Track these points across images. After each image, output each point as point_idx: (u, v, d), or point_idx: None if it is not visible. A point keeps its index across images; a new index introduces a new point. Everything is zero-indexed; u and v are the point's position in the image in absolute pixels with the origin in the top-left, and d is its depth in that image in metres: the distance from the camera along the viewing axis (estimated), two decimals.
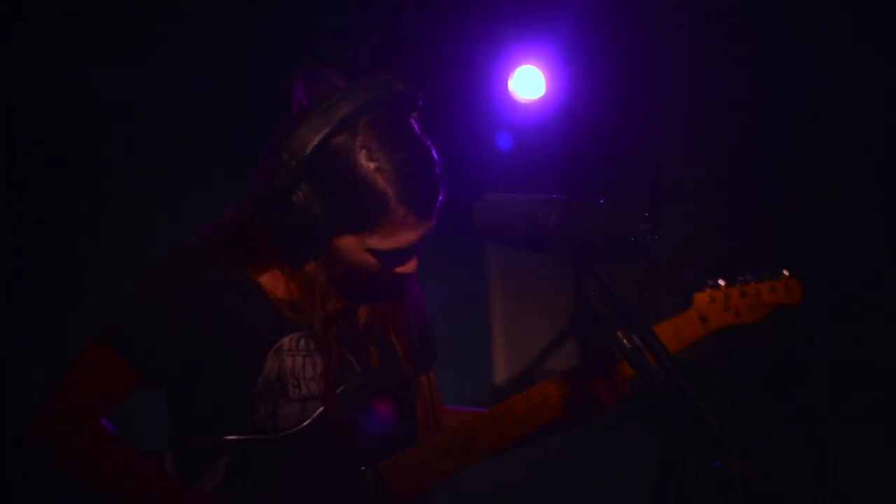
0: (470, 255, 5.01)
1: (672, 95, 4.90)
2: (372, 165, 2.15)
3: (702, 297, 2.56)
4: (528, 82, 4.79)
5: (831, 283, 4.58)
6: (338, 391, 2.33)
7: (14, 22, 3.91)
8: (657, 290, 4.66)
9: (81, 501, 2.33)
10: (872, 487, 4.43)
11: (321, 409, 2.31)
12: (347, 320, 2.38)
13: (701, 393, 1.81)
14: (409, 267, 2.30)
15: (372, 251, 2.22)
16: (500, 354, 5.26)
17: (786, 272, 2.52)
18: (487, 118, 4.93)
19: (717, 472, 1.77)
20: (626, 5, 4.73)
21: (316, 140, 2.12)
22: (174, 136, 4.32)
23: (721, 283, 2.57)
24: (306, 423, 2.30)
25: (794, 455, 4.60)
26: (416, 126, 2.25)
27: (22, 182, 4.06)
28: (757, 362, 4.74)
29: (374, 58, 4.38)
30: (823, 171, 4.64)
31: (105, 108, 4.15)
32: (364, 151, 2.15)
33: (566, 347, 5.12)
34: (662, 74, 4.86)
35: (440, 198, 2.24)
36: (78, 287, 4.13)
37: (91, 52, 4.07)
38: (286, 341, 2.30)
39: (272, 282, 2.32)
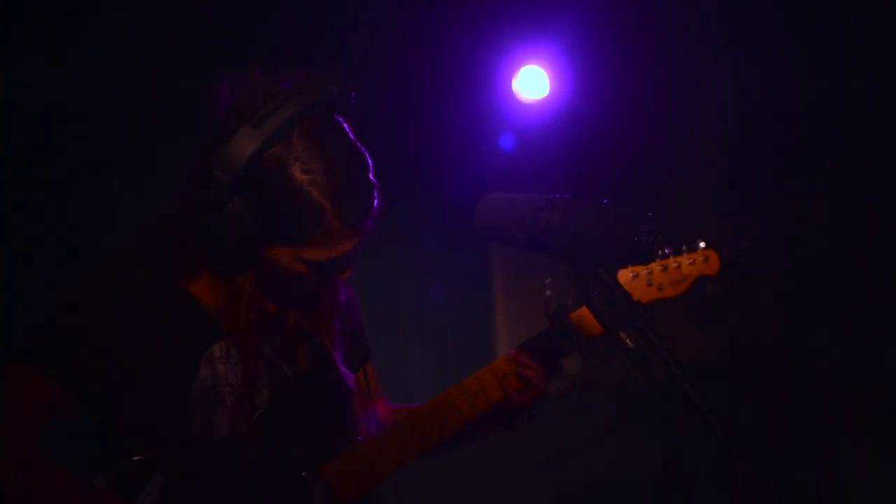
0: (473, 255, 5.02)
1: (675, 96, 4.90)
2: (307, 178, 2.08)
3: (624, 274, 2.49)
4: (532, 82, 4.79)
5: (833, 283, 4.59)
6: (270, 397, 2.28)
7: (13, 22, 3.92)
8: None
9: None
10: (873, 488, 4.44)
11: (256, 414, 2.26)
12: (276, 324, 2.32)
13: (702, 393, 1.82)
14: (345, 274, 2.25)
15: (305, 261, 2.16)
16: (504, 353, 5.26)
17: (702, 244, 2.46)
18: (491, 118, 4.93)
19: (717, 473, 1.78)
20: (630, 6, 4.73)
21: (247, 154, 2.05)
22: (174, 136, 4.32)
23: None
24: (239, 431, 2.24)
25: (795, 455, 4.60)
26: (349, 130, 2.17)
27: (21, 182, 4.06)
28: (758, 362, 4.74)
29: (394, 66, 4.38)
30: (825, 172, 4.64)
31: (105, 108, 4.15)
32: (298, 164, 2.08)
33: None
34: (665, 75, 4.86)
35: (375, 205, 2.17)
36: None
37: (91, 52, 4.07)
38: (216, 349, 2.24)
39: (203, 289, 2.26)
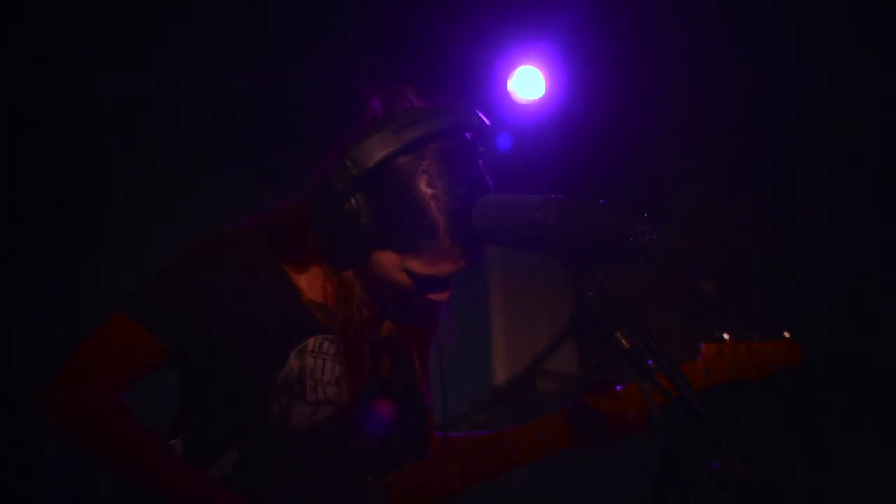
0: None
1: (671, 96, 4.90)
2: (430, 192, 2.15)
3: (711, 349, 2.58)
4: (528, 83, 4.79)
5: (831, 283, 4.59)
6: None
7: (13, 22, 3.91)
8: (656, 290, 4.66)
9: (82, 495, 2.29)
10: (871, 488, 4.43)
11: (332, 413, 2.30)
12: (372, 329, 2.38)
13: (699, 394, 1.81)
14: (442, 296, 2.31)
15: (409, 272, 2.23)
16: (501, 355, 5.26)
17: (787, 334, 2.56)
18: (487, 118, 4.92)
19: (715, 474, 1.77)
20: (626, 6, 4.73)
21: (382, 154, 2.14)
22: (174, 137, 4.32)
23: (726, 336, 2.58)
24: (317, 426, 2.29)
25: (794, 456, 4.60)
26: (480, 163, 2.25)
27: (21, 182, 4.06)
28: None
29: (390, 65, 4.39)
30: (824, 172, 4.64)
31: (105, 108, 4.15)
32: (425, 176, 2.15)
33: (566, 348, 5.12)
34: (662, 75, 4.86)
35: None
36: (77, 287, 4.13)
37: (92, 53, 4.07)
38: (311, 342, 2.30)
39: (307, 281, 2.32)
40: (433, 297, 2.30)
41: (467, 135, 2.25)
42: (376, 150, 2.14)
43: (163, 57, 4.19)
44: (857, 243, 4.55)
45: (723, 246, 4.83)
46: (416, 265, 2.21)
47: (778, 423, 4.61)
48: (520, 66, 4.78)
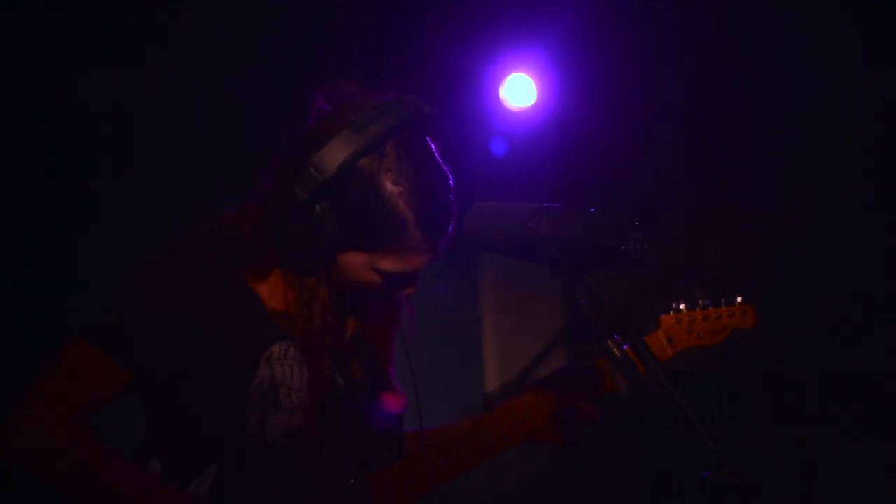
0: (461, 263, 5.01)
1: (664, 103, 4.91)
2: (396, 189, 2.15)
3: (668, 320, 2.66)
4: (520, 90, 4.79)
5: (823, 293, 4.59)
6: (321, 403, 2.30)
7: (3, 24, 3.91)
8: (647, 299, 4.66)
9: None
10: (862, 496, 4.44)
11: (304, 420, 2.28)
12: (336, 332, 2.34)
13: (690, 402, 1.81)
14: (411, 290, 2.32)
15: (379, 271, 2.22)
16: (492, 361, 5.25)
17: (739, 298, 2.67)
18: (479, 126, 4.93)
19: (706, 483, 1.77)
20: (618, 13, 4.74)
21: (345, 157, 2.11)
22: (167, 137, 4.31)
23: (682, 306, 2.68)
24: (292, 433, 2.26)
25: (785, 464, 4.60)
26: (436, 152, 2.25)
27: (11, 184, 4.04)
28: (747, 371, 4.74)
29: (381, 72, 4.39)
30: (814, 184, 4.64)
31: (94, 109, 4.14)
32: (390, 174, 2.14)
33: (557, 355, 5.12)
34: (654, 82, 4.86)
35: (452, 226, 2.24)
36: (66, 291, 4.12)
37: (86, 51, 4.06)
38: (276, 349, 2.27)
39: (268, 290, 2.29)
40: (403, 292, 2.31)
41: (422, 124, 2.23)
42: (339, 153, 2.12)
43: (153, 58, 4.18)
44: (847, 252, 4.55)
45: (715, 255, 4.83)
46: (386, 263, 2.20)
47: (767, 431, 4.61)
48: (511, 73, 4.78)
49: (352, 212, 2.15)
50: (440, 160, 2.25)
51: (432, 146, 2.25)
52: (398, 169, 2.15)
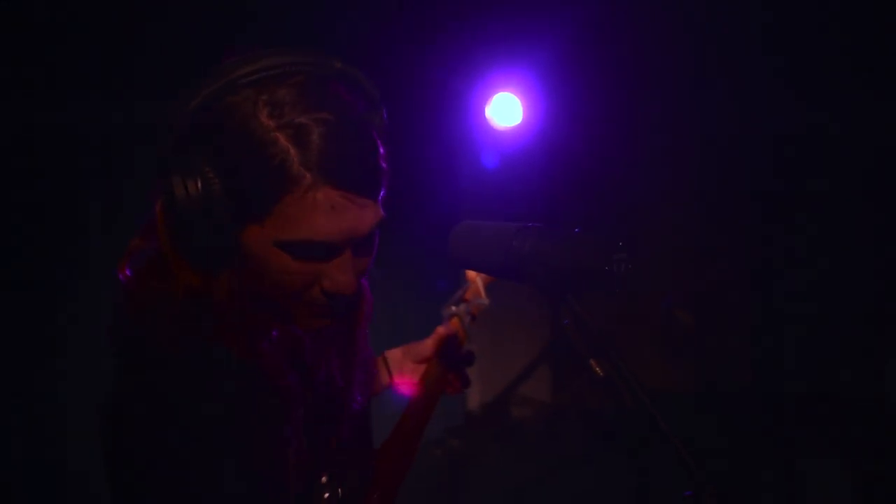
0: (446, 283, 5.00)
1: (650, 124, 4.92)
2: (272, 123, 1.65)
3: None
4: (506, 110, 4.80)
5: (808, 316, 4.60)
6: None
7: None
8: (632, 319, 4.67)
9: None
10: None
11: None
12: (293, 346, 1.99)
13: (672, 423, 1.82)
14: (343, 280, 1.75)
15: (280, 245, 1.69)
16: (474, 380, 5.25)
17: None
18: (464, 145, 4.94)
19: (688, 502, 1.77)
20: (605, 33, 4.75)
21: (198, 99, 1.67)
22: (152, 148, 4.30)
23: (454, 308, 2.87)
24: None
25: (767, 485, 4.60)
26: (361, 108, 1.79)
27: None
28: (730, 392, 4.75)
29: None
30: (802, 207, 4.65)
31: (80, 130, 4.14)
32: (267, 108, 1.66)
33: (540, 373, 5.12)
34: (640, 102, 4.88)
35: (378, 169, 1.77)
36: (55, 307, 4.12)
37: (76, 62, 4.07)
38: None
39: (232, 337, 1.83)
40: (330, 286, 1.74)
41: (322, 71, 1.76)
42: (191, 97, 1.68)
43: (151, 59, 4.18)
44: (832, 272, 4.57)
45: (700, 276, 4.84)
46: (283, 231, 1.66)
47: (750, 452, 4.61)
48: (497, 92, 4.79)
49: (228, 167, 1.66)
50: (360, 112, 1.78)
51: (346, 98, 1.76)
52: (279, 100, 1.67)
